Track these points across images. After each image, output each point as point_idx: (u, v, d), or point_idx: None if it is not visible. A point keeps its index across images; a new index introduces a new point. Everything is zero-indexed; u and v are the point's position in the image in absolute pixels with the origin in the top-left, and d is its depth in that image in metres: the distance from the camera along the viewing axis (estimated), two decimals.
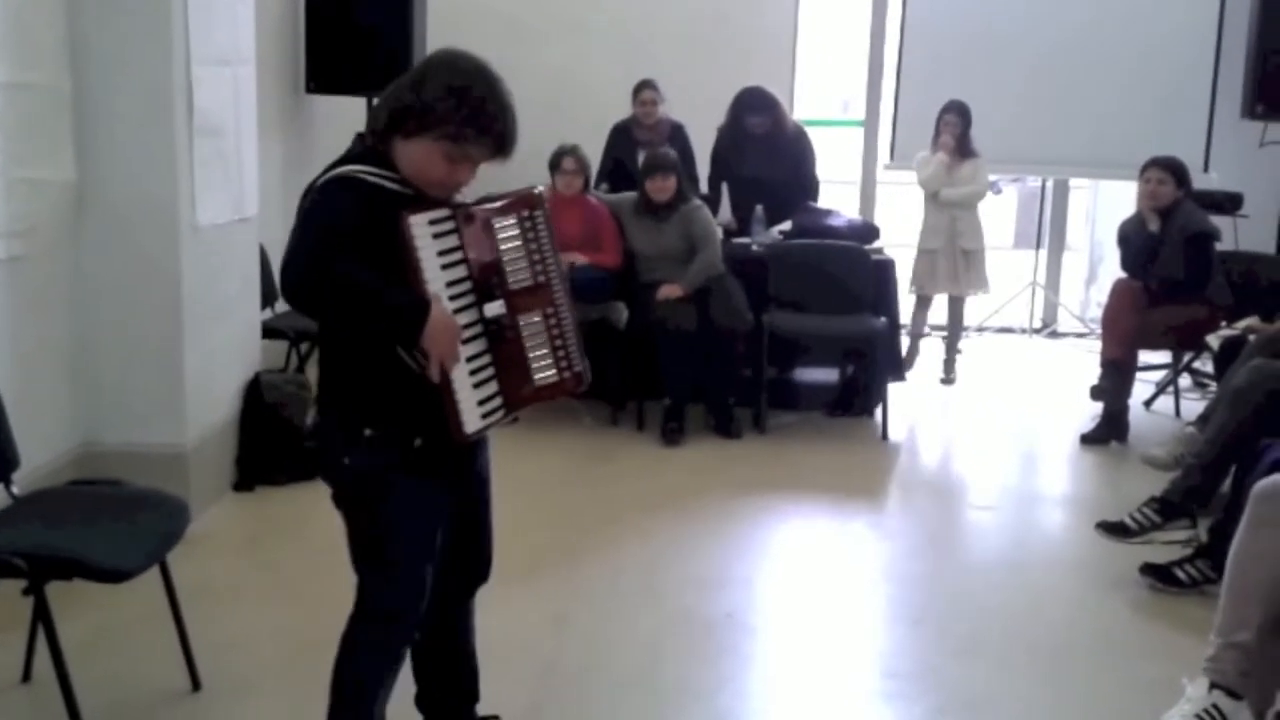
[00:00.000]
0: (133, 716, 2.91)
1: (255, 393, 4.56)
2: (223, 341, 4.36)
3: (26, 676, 2.99)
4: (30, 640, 2.95)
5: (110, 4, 3.85)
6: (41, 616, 2.55)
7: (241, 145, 4.45)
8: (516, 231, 2.33)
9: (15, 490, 2.86)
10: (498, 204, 2.33)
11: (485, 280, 2.29)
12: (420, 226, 2.19)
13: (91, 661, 2.93)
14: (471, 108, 2.20)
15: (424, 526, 2.34)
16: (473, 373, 2.26)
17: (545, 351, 2.36)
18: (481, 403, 2.27)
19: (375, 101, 2.33)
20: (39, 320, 3.77)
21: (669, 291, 5.36)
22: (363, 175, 2.20)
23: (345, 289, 2.12)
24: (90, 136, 3.90)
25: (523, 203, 2.36)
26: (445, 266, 2.23)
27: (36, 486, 3.10)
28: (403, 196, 2.22)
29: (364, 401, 2.27)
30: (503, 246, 2.32)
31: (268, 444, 4.52)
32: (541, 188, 2.43)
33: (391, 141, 2.24)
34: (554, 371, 2.37)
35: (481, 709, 2.72)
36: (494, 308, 2.30)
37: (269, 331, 5.04)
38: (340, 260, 2.10)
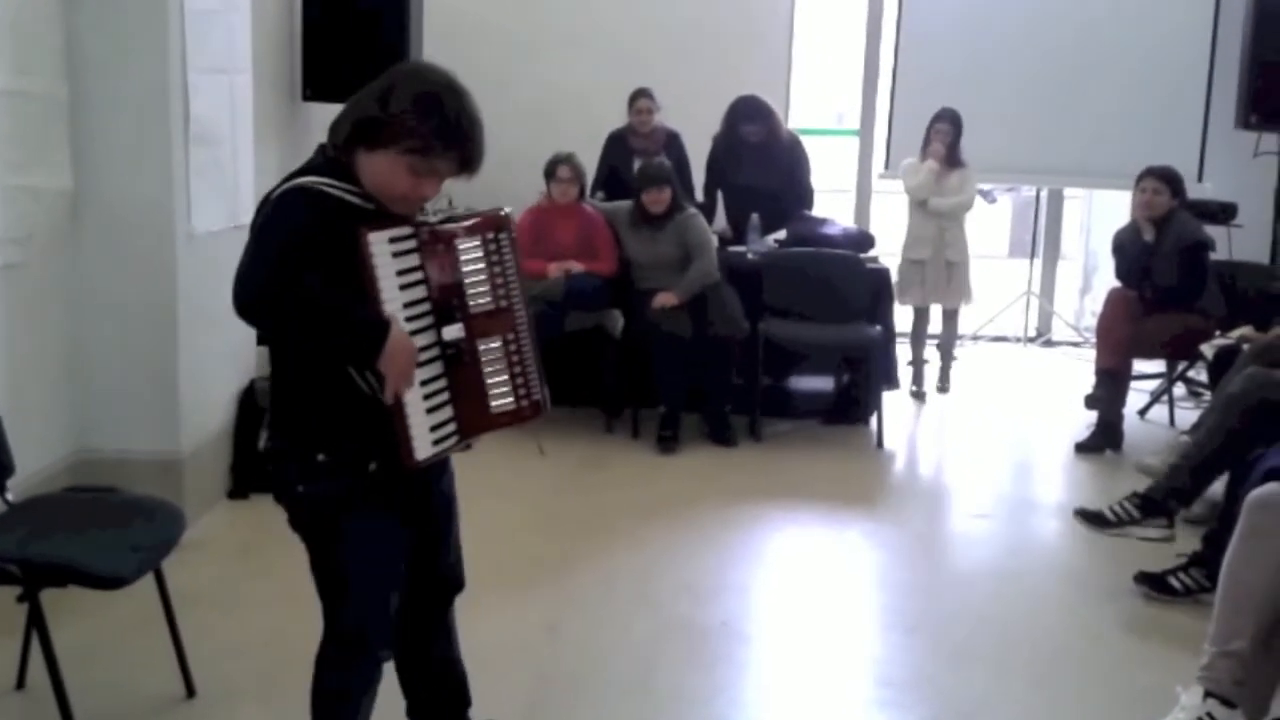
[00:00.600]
0: None
1: (250, 400, 4.56)
2: (218, 349, 4.36)
3: (20, 684, 2.98)
4: (24, 647, 2.95)
5: (107, 12, 3.85)
6: (36, 623, 2.55)
7: (237, 153, 4.46)
8: (480, 254, 2.25)
9: (10, 497, 2.86)
10: (462, 224, 2.26)
11: (445, 302, 2.22)
12: (380, 244, 2.12)
13: (86, 669, 2.92)
14: (439, 120, 2.13)
15: (383, 555, 2.28)
16: (426, 397, 2.19)
17: (504, 379, 2.28)
18: (434, 428, 2.20)
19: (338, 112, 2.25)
20: (34, 327, 3.77)
21: (664, 300, 5.37)
22: (322, 187, 2.13)
23: (302, 305, 2.05)
24: (86, 144, 3.91)
25: (488, 224, 2.27)
26: (404, 286, 2.16)
27: (31, 493, 3.10)
28: (364, 211, 2.15)
29: (316, 425, 2.20)
30: (465, 268, 2.24)
31: (262, 451, 4.52)
32: (509, 209, 2.34)
33: (354, 153, 2.17)
34: (512, 399, 2.29)
35: (476, 717, 2.71)
36: (452, 331, 2.23)
37: (264, 339, 5.03)
38: (296, 275, 2.04)
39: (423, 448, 2.19)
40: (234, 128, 4.41)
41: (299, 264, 2.05)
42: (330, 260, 2.09)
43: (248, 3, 4.53)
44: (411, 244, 2.19)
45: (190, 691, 3.01)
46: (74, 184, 3.91)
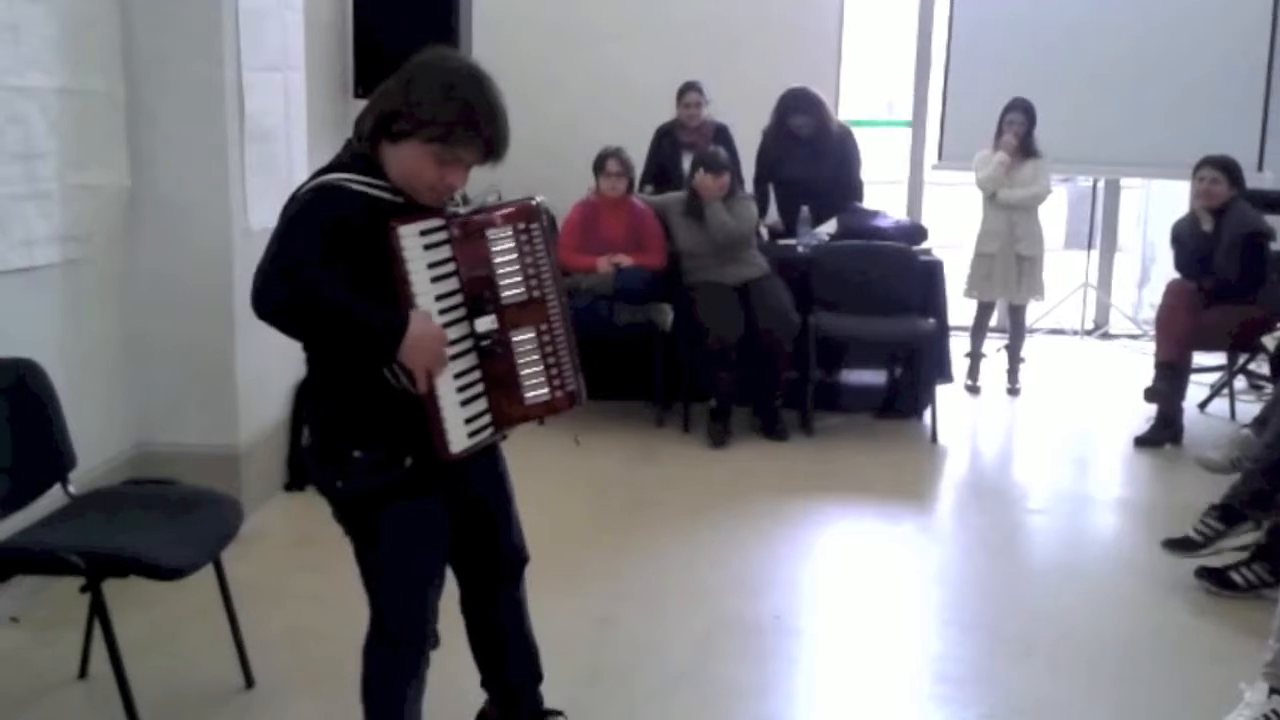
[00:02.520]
0: (187, 713, 2.95)
1: (305, 394, 4.60)
2: (273, 343, 4.33)
3: (83, 673, 3.04)
4: (87, 637, 3.00)
5: (163, 13, 3.90)
6: (98, 614, 2.59)
7: (291, 149, 4.50)
8: (512, 244, 2.24)
9: (72, 490, 2.90)
10: (493, 215, 2.25)
11: (477, 294, 2.22)
12: (410, 237, 2.12)
13: (146, 658, 2.97)
14: (461, 106, 2.12)
15: (420, 548, 2.30)
16: (460, 389, 2.19)
17: (538, 369, 2.28)
18: (469, 420, 2.20)
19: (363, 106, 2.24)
20: (94, 322, 3.83)
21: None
22: (348, 183, 2.12)
23: (317, 308, 2.04)
24: (144, 142, 3.96)
25: (519, 214, 2.26)
26: (436, 279, 2.16)
27: (93, 486, 3.14)
28: (393, 205, 2.15)
29: (352, 422, 2.20)
30: (496, 259, 2.23)
31: (303, 448, 4.56)
32: (541, 199, 2.31)
33: (380, 147, 2.17)
34: (546, 390, 2.29)
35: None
36: (485, 323, 2.23)
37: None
38: (312, 274, 2.03)
39: (458, 440, 2.19)
40: (288, 124, 4.45)
41: (317, 263, 2.04)
42: (361, 255, 2.09)
43: (301, 1, 4.57)
44: (442, 236, 2.18)
45: (249, 682, 3.05)
46: (132, 181, 3.97)
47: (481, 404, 2.24)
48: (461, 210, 2.26)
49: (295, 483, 4.54)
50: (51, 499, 2.85)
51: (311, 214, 2.11)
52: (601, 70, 7.25)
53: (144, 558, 2.56)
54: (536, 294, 2.27)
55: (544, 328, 2.28)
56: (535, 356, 2.27)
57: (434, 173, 2.15)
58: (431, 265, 2.16)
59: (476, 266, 2.22)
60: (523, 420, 2.31)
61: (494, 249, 2.23)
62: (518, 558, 2.58)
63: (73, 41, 3.59)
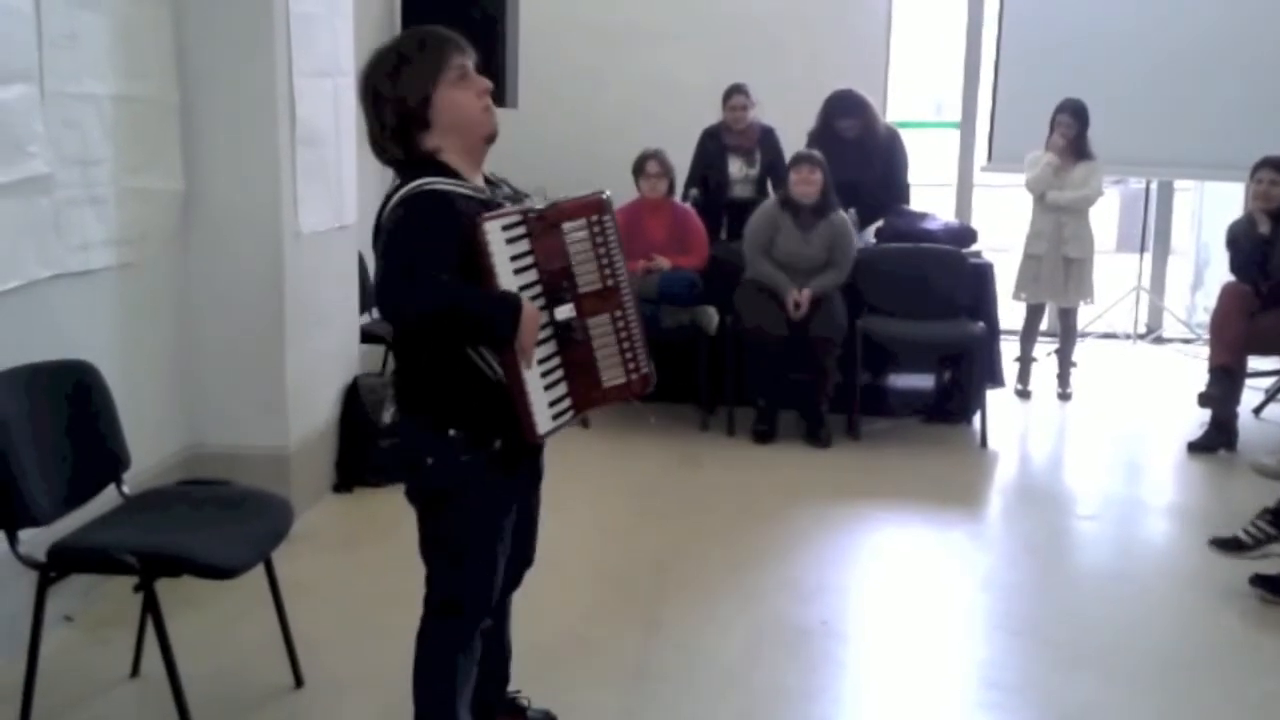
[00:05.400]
0: (238, 712, 2.98)
1: (354, 396, 4.65)
2: (324, 346, 4.45)
3: (135, 671, 3.08)
4: (139, 636, 3.04)
5: (216, 19, 3.95)
6: (151, 613, 2.62)
7: (341, 154, 4.54)
8: (585, 235, 2.36)
9: (126, 490, 2.94)
10: (566, 208, 2.36)
11: (555, 284, 2.32)
12: (494, 231, 2.23)
13: (198, 657, 3.00)
14: (414, 47, 2.30)
15: (498, 522, 2.42)
16: (543, 374, 2.31)
17: (614, 354, 2.40)
18: (552, 404, 2.32)
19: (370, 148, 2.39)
20: (148, 325, 3.89)
21: (797, 298, 5.29)
22: (436, 185, 2.24)
23: (447, 302, 2.18)
24: (197, 147, 4.02)
25: (591, 207, 2.38)
26: (517, 270, 2.27)
27: (146, 486, 3.18)
28: (474, 199, 2.27)
29: (449, 404, 2.31)
30: (571, 250, 2.34)
31: (366, 446, 4.60)
32: (609, 192, 2.43)
33: (421, 149, 2.29)
34: (622, 374, 2.42)
35: (571, 713, 2.74)
36: (564, 311, 2.34)
37: (367, 336, 5.13)
38: (435, 273, 2.17)
39: (543, 423, 2.30)
40: (338, 130, 4.50)
41: (437, 262, 2.17)
42: (455, 250, 2.21)
43: (350, 7, 4.62)
44: (521, 230, 2.28)
45: (299, 681, 3.07)
46: (185, 186, 4.02)
47: (562, 388, 2.35)
48: (537, 205, 2.36)
49: (344, 484, 4.59)
50: (106, 499, 2.89)
51: (416, 218, 2.21)
52: (647, 72, 7.25)
53: (197, 557, 2.59)
54: (610, 283, 2.38)
55: (618, 314, 2.40)
56: (611, 342, 2.40)
57: (467, 96, 2.30)
58: (513, 258, 2.27)
59: (554, 258, 2.33)
60: (601, 403, 2.43)
61: (569, 241, 2.34)
62: (529, 560, 2.67)
63: (127, 49, 3.65)
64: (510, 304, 2.21)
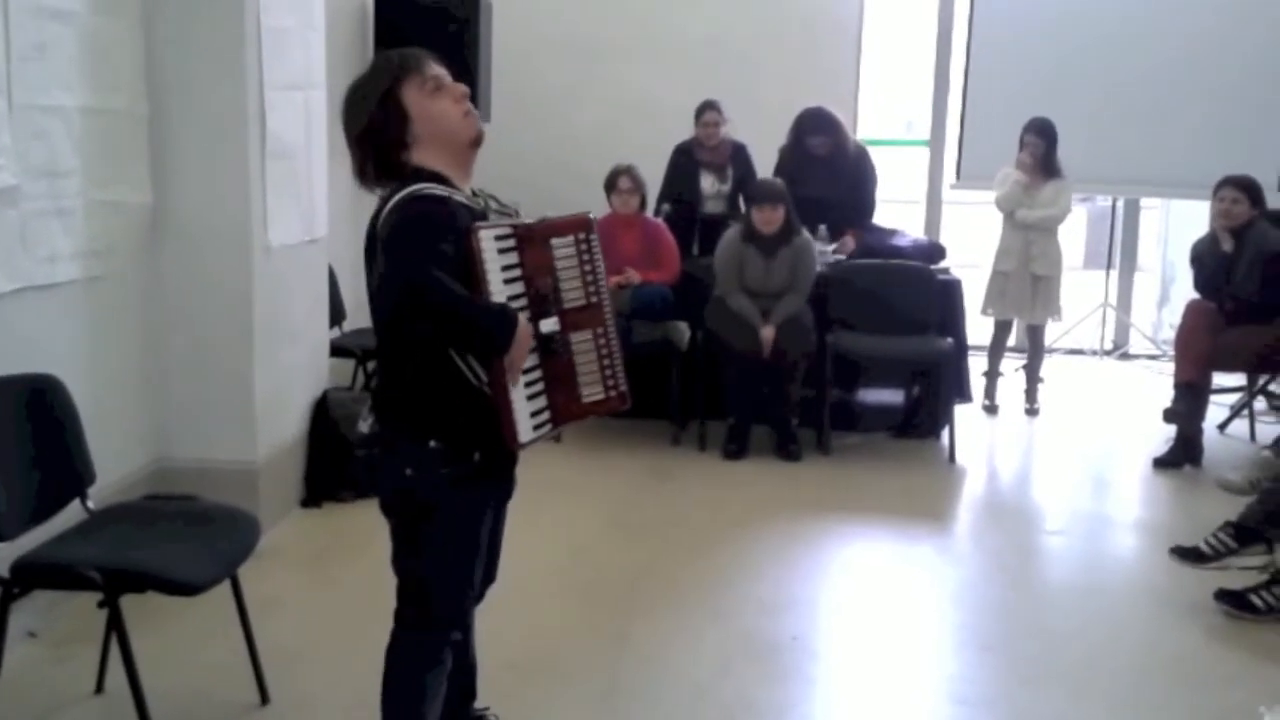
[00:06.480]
0: None
1: (323, 410, 4.63)
2: (293, 360, 4.43)
3: (100, 688, 3.05)
4: (104, 652, 3.01)
5: (186, 32, 3.94)
6: (115, 629, 2.60)
7: (312, 168, 4.53)
8: (572, 251, 2.41)
9: (91, 505, 2.91)
10: (556, 224, 2.40)
11: (541, 297, 2.35)
12: (488, 241, 2.25)
13: (163, 674, 2.98)
14: (385, 70, 2.33)
15: (474, 539, 2.41)
16: (526, 385, 2.32)
17: (594, 370, 2.44)
18: (533, 415, 2.33)
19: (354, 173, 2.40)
20: (115, 338, 3.86)
21: (766, 336, 5.30)
22: (433, 190, 2.25)
23: (447, 307, 2.16)
24: (166, 160, 4.00)
25: (578, 225, 2.43)
26: (506, 281, 2.29)
27: (112, 501, 3.16)
28: (466, 209, 2.28)
29: (430, 415, 2.31)
30: (558, 266, 2.39)
31: (335, 461, 4.58)
32: (594, 213, 2.49)
33: (407, 165, 2.30)
34: (601, 390, 2.45)
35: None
36: (548, 324, 2.36)
37: (336, 350, 5.11)
38: (438, 278, 2.15)
39: (525, 432, 2.31)
40: (309, 143, 4.49)
41: (440, 261, 2.16)
42: (452, 254, 2.21)
43: (322, 20, 4.61)
44: (511, 242, 2.31)
45: (265, 698, 3.05)
46: (154, 198, 4.00)
47: (543, 400, 2.36)
48: (525, 221, 2.39)
49: (312, 499, 4.56)
50: (71, 514, 2.86)
51: (418, 218, 2.21)
52: (620, 89, 7.29)
53: (162, 573, 2.57)
54: (594, 299, 2.44)
55: (599, 331, 2.45)
56: (592, 357, 2.44)
57: (443, 105, 2.33)
58: (504, 269, 2.29)
59: (541, 271, 2.36)
60: (579, 417, 2.44)
61: (557, 256, 2.39)
62: (493, 577, 2.66)
63: (96, 61, 3.63)
64: (509, 319, 2.22)
